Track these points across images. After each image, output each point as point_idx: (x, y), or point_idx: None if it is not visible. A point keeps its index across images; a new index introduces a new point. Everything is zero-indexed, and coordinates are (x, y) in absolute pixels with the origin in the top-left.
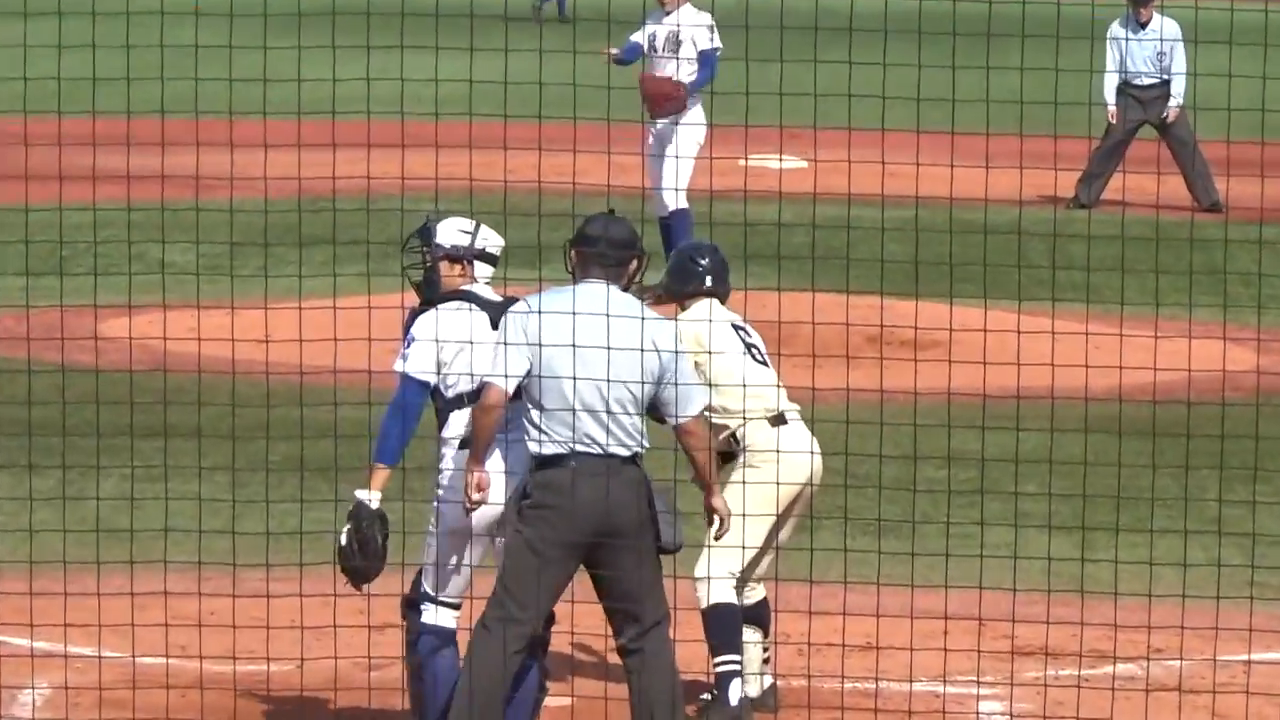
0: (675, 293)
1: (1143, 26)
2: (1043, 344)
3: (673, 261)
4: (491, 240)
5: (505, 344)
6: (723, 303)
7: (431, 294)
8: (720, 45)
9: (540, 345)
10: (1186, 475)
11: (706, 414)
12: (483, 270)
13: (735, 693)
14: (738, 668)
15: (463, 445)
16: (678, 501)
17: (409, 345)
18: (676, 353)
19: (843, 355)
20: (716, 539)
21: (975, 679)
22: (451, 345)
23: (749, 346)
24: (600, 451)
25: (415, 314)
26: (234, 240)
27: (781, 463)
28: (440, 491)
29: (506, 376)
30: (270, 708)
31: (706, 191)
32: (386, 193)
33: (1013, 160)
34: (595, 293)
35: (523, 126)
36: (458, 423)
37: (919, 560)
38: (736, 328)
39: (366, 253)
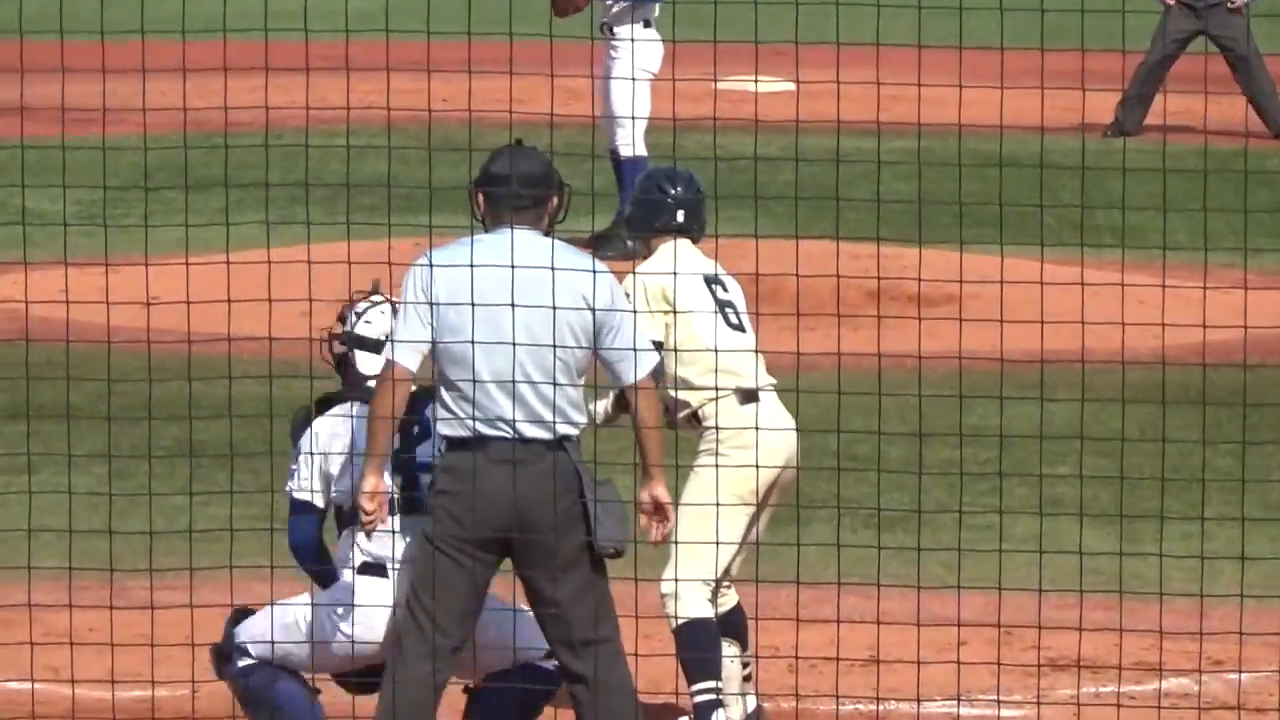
0: (638, 228)
1: None
2: (1073, 298)
3: (638, 189)
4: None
5: (404, 304)
6: (695, 242)
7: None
8: None
9: (443, 305)
10: (1244, 452)
11: (662, 383)
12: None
13: None
14: (717, 696)
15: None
16: (620, 492)
17: (293, 460)
18: (613, 309)
19: (835, 314)
20: (653, 541)
21: (996, 698)
22: (336, 458)
23: (723, 305)
24: (510, 433)
25: (302, 420)
26: (109, 185)
27: (753, 444)
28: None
29: (395, 343)
30: None
31: (670, 120)
32: (290, 126)
33: (1035, 80)
34: (509, 241)
35: (451, 46)
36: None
37: (929, 557)
38: (710, 281)
39: (266, 197)
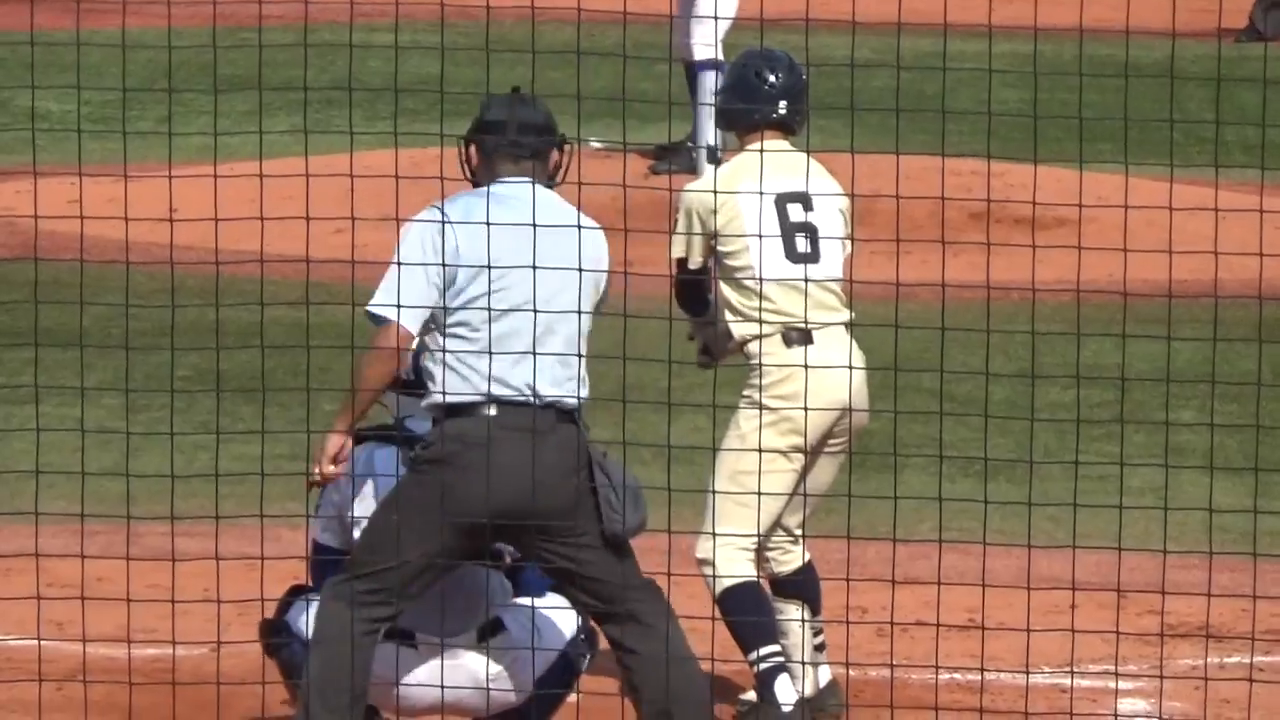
0: (732, 121)
1: None
2: (1203, 223)
3: (732, 76)
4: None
5: (410, 262)
6: (792, 135)
7: None
8: None
9: (463, 266)
10: None
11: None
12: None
13: (786, 691)
14: (781, 659)
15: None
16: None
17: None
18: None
19: (939, 240)
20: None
21: (1113, 669)
22: (364, 502)
23: (794, 229)
24: (528, 399)
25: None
26: (128, 85)
27: (800, 391)
28: None
29: (401, 307)
30: (175, 706)
31: (754, 19)
32: (328, 20)
33: None
34: (519, 194)
35: None
36: None
37: (1038, 512)
38: (785, 200)
39: (304, 100)
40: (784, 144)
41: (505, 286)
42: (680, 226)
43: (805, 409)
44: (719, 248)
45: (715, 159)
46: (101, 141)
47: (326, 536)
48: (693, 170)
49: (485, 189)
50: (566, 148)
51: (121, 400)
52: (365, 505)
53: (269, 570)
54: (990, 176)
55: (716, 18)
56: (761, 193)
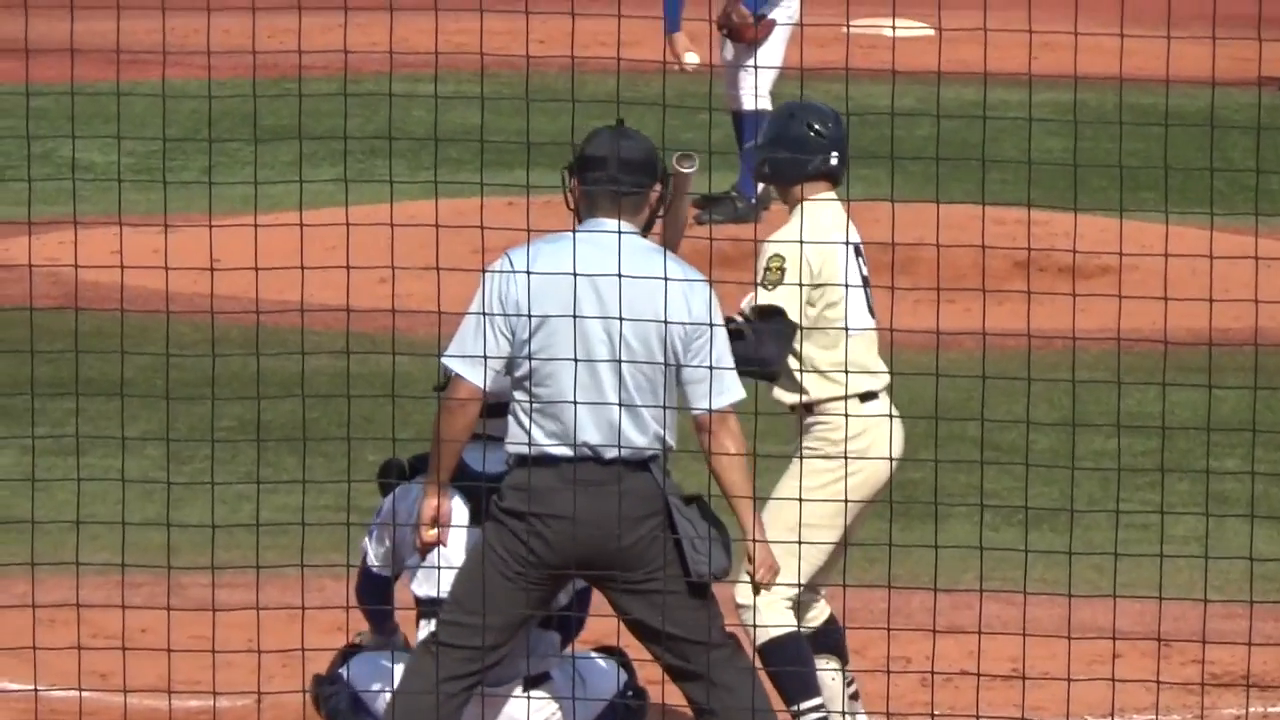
0: (785, 174)
1: None
2: (1245, 272)
3: (777, 129)
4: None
5: (480, 315)
6: (838, 186)
7: None
8: None
9: (530, 316)
10: None
11: (792, 367)
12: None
13: None
14: (824, 712)
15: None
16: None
17: (375, 525)
18: (711, 324)
19: (980, 288)
20: (755, 591)
21: (1155, 718)
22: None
23: (864, 283)
24: (597, 453)
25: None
26: (169, 136)
27: (866, 453)
28: None
29: (467, 359)
30: None
31: (797, 67)
32: (370, 71)
33: (1204, 27)
34: (602, 241)
35: None
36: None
37: (1080, 560)
38: (857, 250)
39: (344, 150)
40: (836, 201)
41: (570, 337)
42: (787, 279)
43: (890, 459)
44: (813, 299)
45: (765, 208)
46: (143, 192)
47: (375, 563)
48: (737, 219)
49: (563, 234)
50: (670, 182)
51: (164, 451)
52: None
53: (311, 621)
54: (1032, 225)
55: (758, 66)
56: (848, 243)
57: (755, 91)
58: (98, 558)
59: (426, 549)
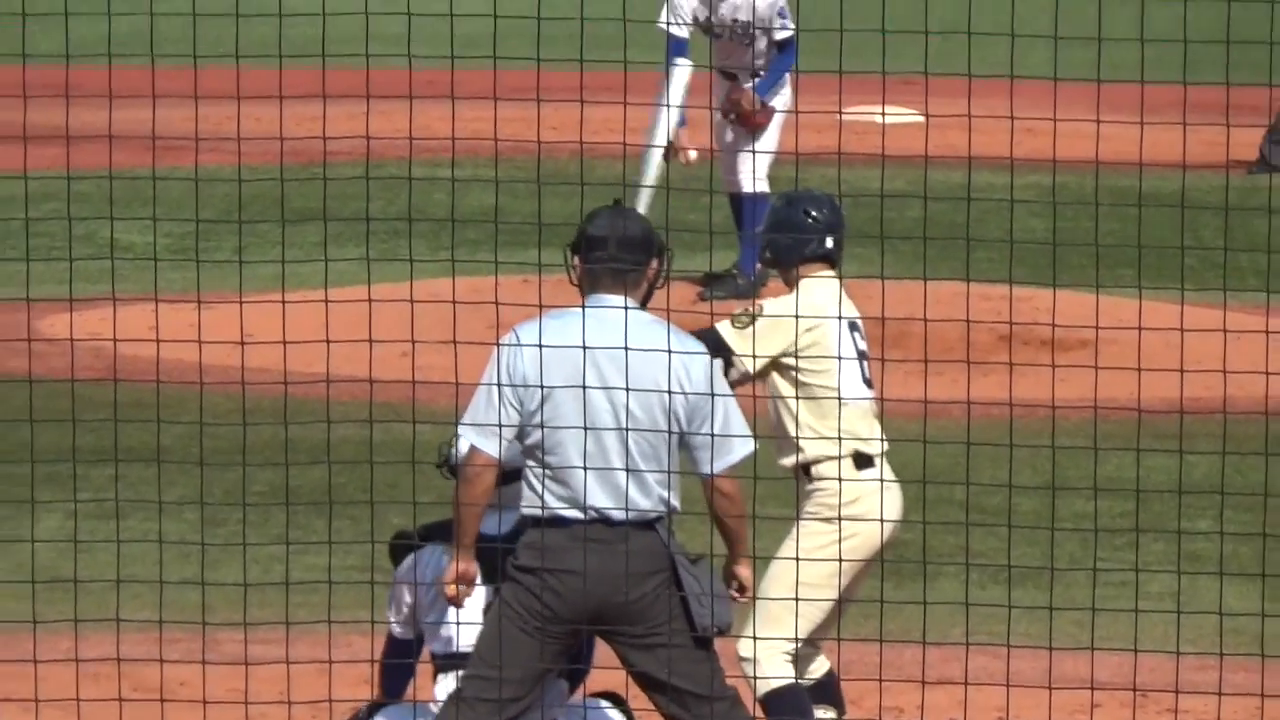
0: (783, 257)
1: None
2: (1215, 344)
3: (777, 216)
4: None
5: (492, 385)
6: (835, 269)
7: None
8: (794, 28)
9: (538, 387)
10: None
11: (790, 436)
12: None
13: None
14: None
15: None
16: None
17: (393, 592)
18: (713, 394)
19: (965, 360)
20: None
21: None
22: (435, 596)
23: (861, 356)
24: (608, 514)
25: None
26: (203, 218)
27: (863, 516)
28: None
29: (478, 427)
30: None
31: (793, 152)
32: (392, 156)
33: (1176, 114)
34: (606, 317)
35: (561, 74)
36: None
37: (1061, 615)
38: (852, 326)
39: (366, 231)
40: (833, 280)
41: (576, 408)
42: (762, 331)
43: (885, 521)
44: (810, 368)
45: (764, 284)
46: (179, 271)
47: (397, 630)
48: (738, 296)
49: (568, 310)
50: (668, 256)
51: (199, 515)
52: (438, 604)
53: (339, 675)
54: (1015, 301)
55: (755, 150)
56: (841, 317)
57: (754, 175)
58: (138, 615)
59: (455, 601)
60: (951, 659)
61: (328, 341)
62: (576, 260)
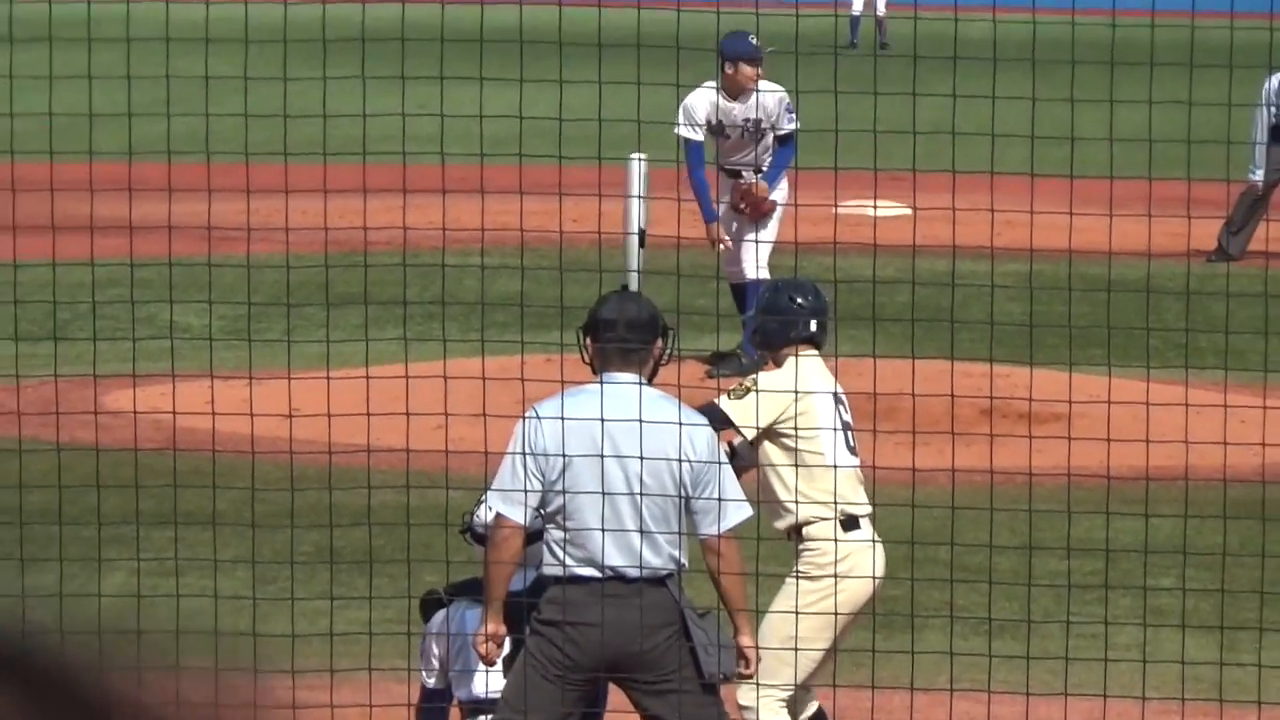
0: (771, 342)
1: None
2: (1177, 417)
3: (766, 302)
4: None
5: (516, 456)
6: (819, 350)
7: None
8: (798, 125)
9: (557, 457)
10: None
11: (782, 500)
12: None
13: None
14: None
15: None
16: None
17: (424, 645)
18: (709, 461)
19: (950, 431)
20: (742, 679)
21: None
22: (463, 649)
23: (845, 427)
24: (623, 572)
25: (434, 603)
26: (253, 300)
27: (852, 574)
28: None
29: (503, 494)
30: None
31: (792, 243)
32: (427, 246)
33: (1143, 207)
34: (617, 393)
35: (580, 170)
36: None
37: (1037, 664)
38: (836, 400)
39: (404, 315)
40: (817, 359)
41: (593, 476)
42: (761, 405)
43: (874, 578)
44: (801, 437)
45: (765, 362)
46: (232, 350)
47: (430, 681)
48: (742, 374)
49: (582, 388)
50: (671, 335)
51: (251, 572)
52: (464, 654)
53: (379, 717)
54: (995, 377)
55: (759, 240)
56: (823, 392)
57: (757, 263)
58: (195, 663)
59: (489, 663)
60: (937, 704)
61: (368, 415)
62: (589, 341)
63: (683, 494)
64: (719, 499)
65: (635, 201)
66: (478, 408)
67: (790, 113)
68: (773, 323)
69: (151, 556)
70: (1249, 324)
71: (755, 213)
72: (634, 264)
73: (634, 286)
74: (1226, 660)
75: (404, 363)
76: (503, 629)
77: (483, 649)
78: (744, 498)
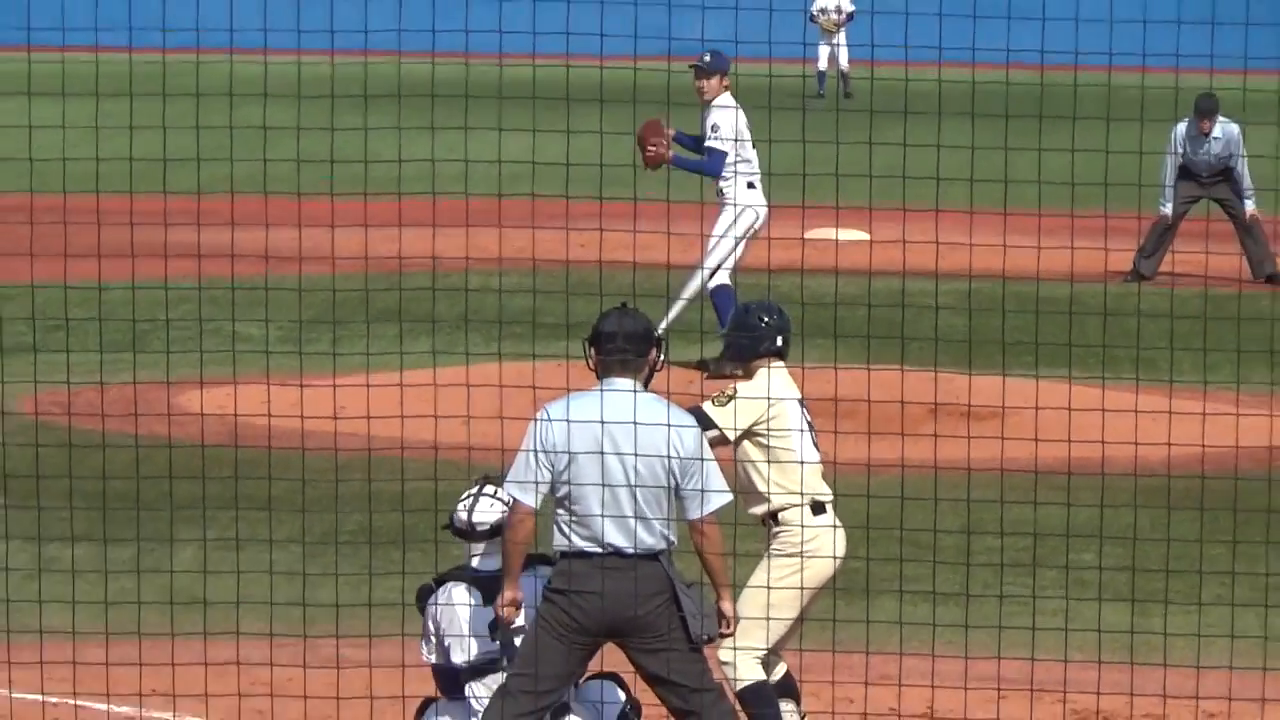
0: (743, 356)
1: (1205, 136)
2: (1095, 417)
3: (736, 321)
4: (479, 515)
5: (529, 451)
6: (784, 361)
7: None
8: (723, 149)
9: (565, 452)
10: (1234, 547)
11: (758, 491)
12: (474, 547)
13: None
14: None
15: None
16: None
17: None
18: (702, 459)
19: (900, 431)
20: (723, 638)
21: None
22: (457, 625)
23: (810, 427)
24: (621, 549)
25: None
26: (303, 316)
27: (818, 553)
28: None
29: (517, 484)
30: None
31: (765, 267)
32: (452, 269)
33: (1066, 236)
34: (617, 397)
35: (586, 204)
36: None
37: (975, 630)
38: (801, 404)
39: (432, 329)
40: (783, 370)
41: (595, 468)
42: (740, 410)
43: (835, 557)
44: (774, 436)
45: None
46: (283, 359)
47: (430, 657)
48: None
49: (588, 391)
50: (664, 346)
51: (300, 550)
52: (452, 626)
53: (412, 675)
54: (940, 382)
55: (715, 235)
56: (794, 398)
57: (712, 276)
58: (253, 628)
59: (508, 624)
60: (889, 663)
61: (401, 416)
62: (593, 351)
63: (672, 483)
64: (702, 490)
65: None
66: (495, 409)
67: (713, 131)
68: (744, 339)
69: (216, 535)
70: (1159, 337)
71: (648, 154)
72: (689, 293)
73: (675, 314)
74: (1138, 628)
75: (432, 369)
76: (520, 595)
77: (504, 612)
78: (725, 488)
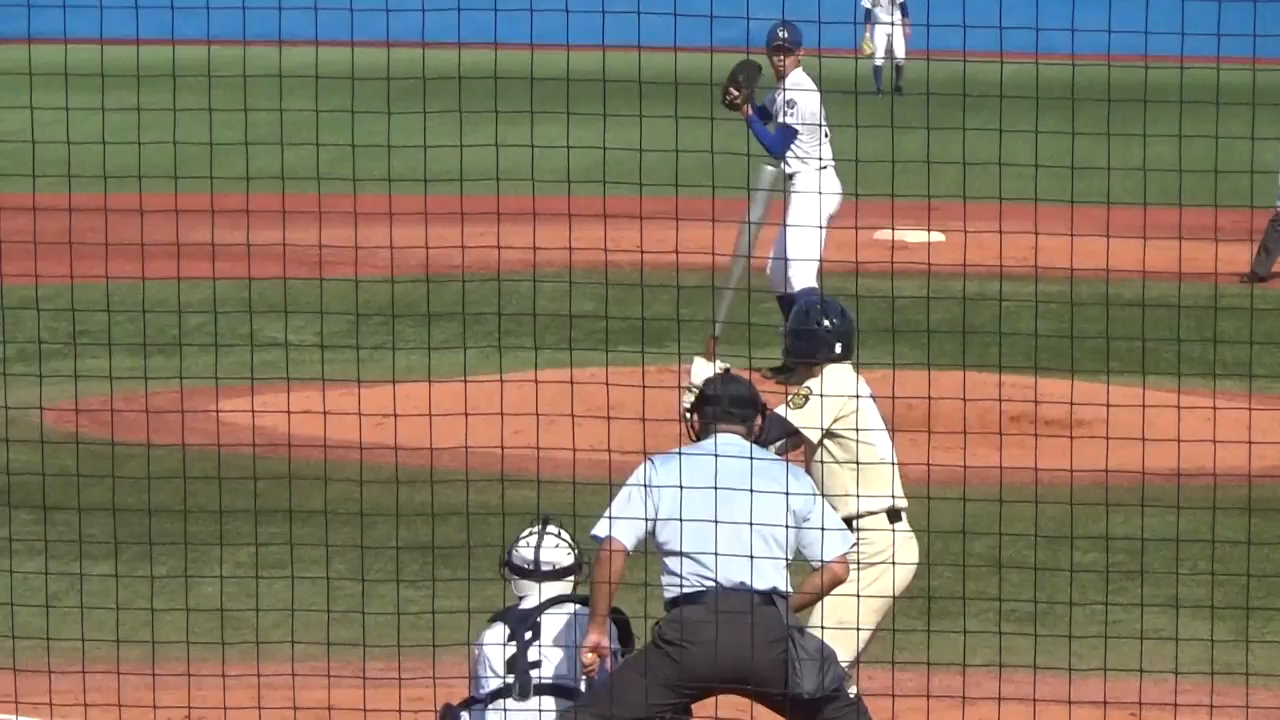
0: (798, 359)
1: None
2: (1201, 423)
3: (794, 322)
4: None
5: (633, 488)
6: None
7: None
8: (796, 129)
9: (675, 486)
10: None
11: (833, 496)
12: (525, 586)
13: None
14: None
15: None
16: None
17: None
18: (816, 495)
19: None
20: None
21: None
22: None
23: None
24: (739, 587)
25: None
26: (359, 314)
27: (902, 560)
28: None
29: (614, 520)
30: None
31: (830, 263)
32: (517, 267)
33: (1171, 232)
34: (729, 441)
35: (658, 200)
36: None
37: (1045, 650)
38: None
39: (498, 327)
40: (850, 369)
41: (706, 504)
42: (826, 409)
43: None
44: (849, 436)
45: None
46: (337, 361)
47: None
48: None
49: (695, 446)
50: (768, 413)
51: (357, 559)
52: (481, 663)
53: (441, 687)
54: (1020, 388)
55: (802, 259)
56: (870, 396)
57: (802, 279)
58: (307, 637)
59: (588, 671)
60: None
61: (465, 415)
62: (695, 417)
63: (793, 525)
64: (822, 528)
65: (747, 226)
66: (548, 411)
67: (789, 106)
68: (803, 343)
69: (266, 541)
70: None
71: (730, 95)
72: (734, 282)
73: (724, 309)
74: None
75: (499, 371)
76: (605, 641)
77: (587, 659)
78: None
